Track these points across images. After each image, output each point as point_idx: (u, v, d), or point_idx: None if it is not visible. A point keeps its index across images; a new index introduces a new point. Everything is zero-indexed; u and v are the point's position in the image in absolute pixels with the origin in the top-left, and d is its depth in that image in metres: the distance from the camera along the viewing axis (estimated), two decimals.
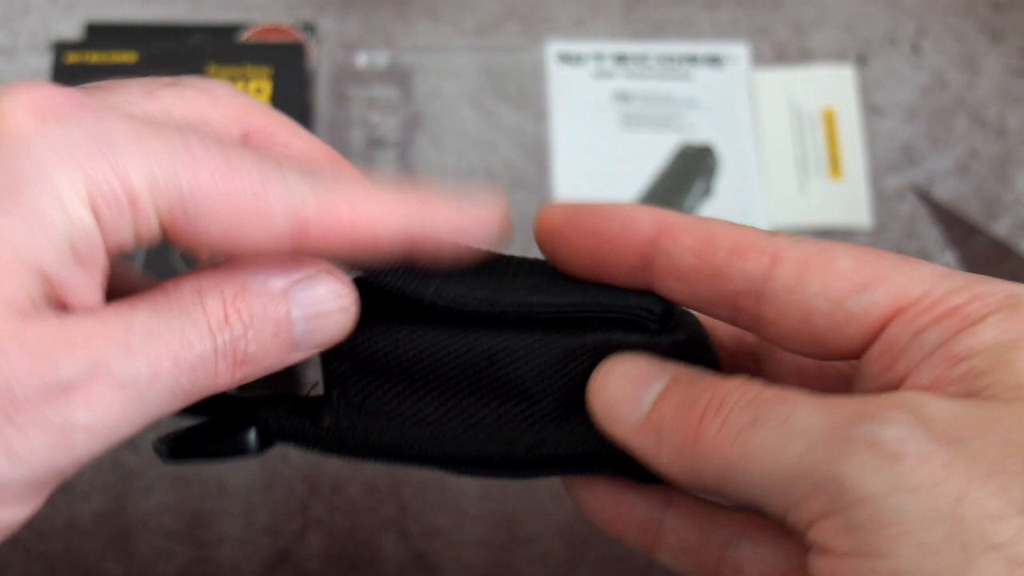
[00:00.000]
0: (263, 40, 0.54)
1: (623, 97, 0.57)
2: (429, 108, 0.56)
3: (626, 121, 0.56)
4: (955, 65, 0.58)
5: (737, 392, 0.24)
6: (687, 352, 0.26)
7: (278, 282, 0.25)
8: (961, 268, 0.54)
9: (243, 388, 0.26)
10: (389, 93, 0.56)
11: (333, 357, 0.27)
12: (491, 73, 0.57)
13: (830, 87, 0.57)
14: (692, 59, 0.57)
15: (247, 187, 0.23)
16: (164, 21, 0.56)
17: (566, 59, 0.57)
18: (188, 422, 0.27)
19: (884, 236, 0.54)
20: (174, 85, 0.27)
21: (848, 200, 0.55)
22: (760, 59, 0.58)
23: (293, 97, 0.50)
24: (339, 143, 0.55)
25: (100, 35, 0.53)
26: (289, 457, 0.49)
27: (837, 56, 0.58)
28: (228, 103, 0.28)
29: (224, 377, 0.24)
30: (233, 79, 0.51)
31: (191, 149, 0.23)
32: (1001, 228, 0.55)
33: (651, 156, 0.56)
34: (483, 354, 0.27)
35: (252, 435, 0.27)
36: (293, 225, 0.24)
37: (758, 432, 0.23)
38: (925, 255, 0.54)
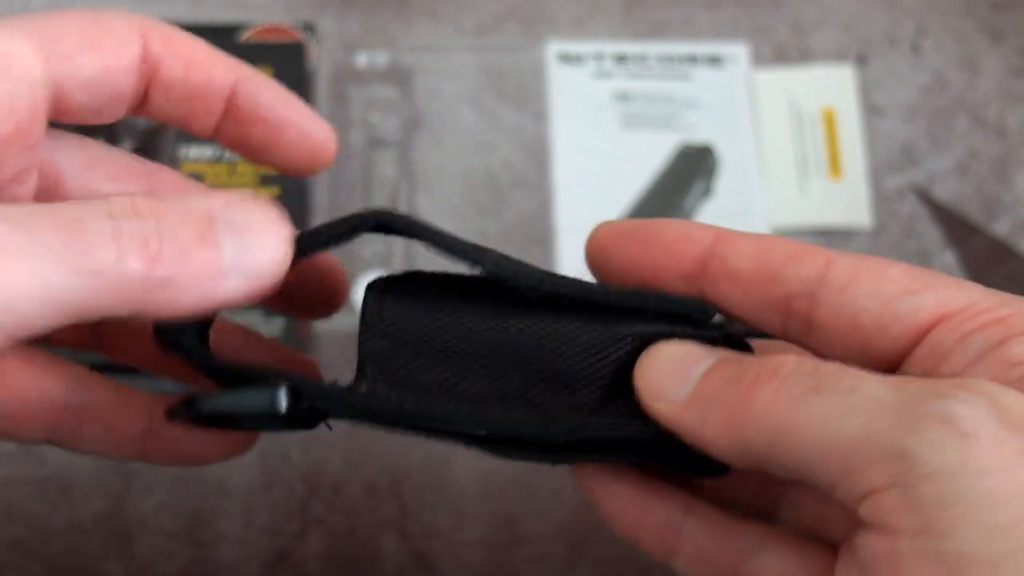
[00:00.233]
0: (263, 40, 0.54)
1: (623, 97, 0.57)
2: (429, 108, 0.56)
3: (626, 121, 0.56)
4: (955, 65, 0.58)
5: (795, 361, 0.23)
6: (736, 345, 0.27)
7: (201, 198, 0.24)
8: (961, 268, 0.54)
9: None
10: (389, 93, 0.56)
11: (369, 334, 0.26)
12: (491, 73, 0.57)
13: (830, 87, 0.57)
14: (692, 59, 0.57)
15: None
16: (164, 21, 0.56)
17: (566, 59, 0.57)
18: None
19: (884, 236, 0.54)
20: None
21: (848, 200, 0.55)
22: (760, 59, 0.58)
23: None
24: (339, 143, 0.54)
25: None
26: (289, 457, 0.49)
27: (837, 56, 0.58)
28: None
29: (137, 266, 0.22)
30: None
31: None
32: (1001, 228, 0.55)
33: (651, 156, 0.56)
34: (534, 337, 0.27)
35: (282, 394, 0.25)
36: (139, 33, 0.26)
37: (820, 397, 0.22)
38: (925, 255, 0.54)
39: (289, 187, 0.51)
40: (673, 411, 0.25)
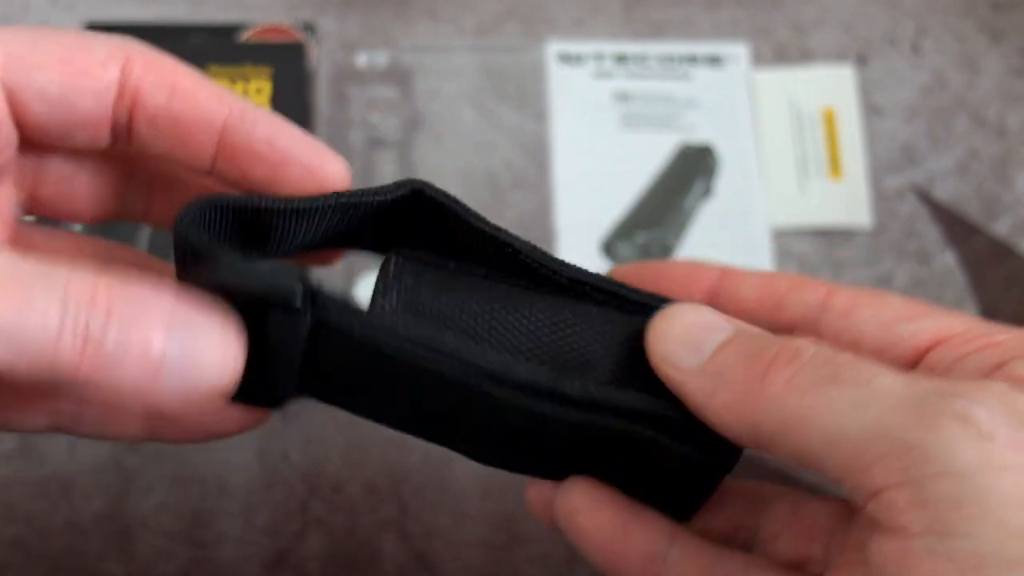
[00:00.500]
0: (263, 40, 0.54)
1: (623, 97, 0.57)
2: (429, 108, 0.56)
3: (626, 121, 0.56)
4: (955, 65, 0.58)
5: (813, 348, 0.23)
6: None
7: (165, 300, 0.23)
8: (961, 268, 0.54)
9: None
10: (389, 93, 0.56)
11: (384, 295, 0.27)
12: (491, 73, 0.57)
13: (830, 87, 0.57)
14: (692, 59, 0.57)
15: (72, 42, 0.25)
16: (164, 21, 0.56)
17: (566, 59, 0.57)
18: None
19: (884, 236, 0.54)
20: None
21: (848, 200, 0.55)
22: (760, 59, 0.58)
23: (293, 97, 0.50)
24: (339, 143, 0.55)
25: None
26: (289, 457, 0.49)
27: (837, 56, 0.58)
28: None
29: (67, 354, 0.22)
30: (233, 79, 0.51)
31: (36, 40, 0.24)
32: (1001, 228, 0.55)
33: (651, 156, 0.56)
34: (551, 321, 0.27)
35: (300, 288, 0.24)
36: (120, 58, 0.25)
37: (837, 387, 0.22)
38: (925, 255, 0.54)
39: None
40: (684, 377, 0.25)
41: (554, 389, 0.25)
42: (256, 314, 0.25)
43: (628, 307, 0.28)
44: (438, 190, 0.27)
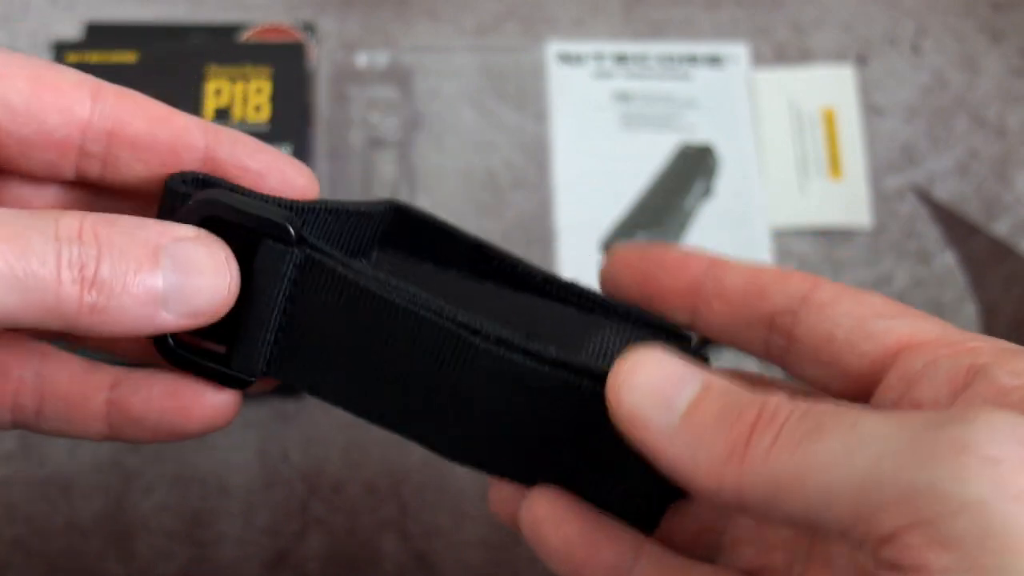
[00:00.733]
0: (263, 40, 0.54)
1: (623, 97, 0.57)
2: (429, 108, 0.56)
3: (626, 121, 0.56)
4: (955, 65, 0.58)
5: (789, 404, 0.22)
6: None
7: (152, 229, 0.24)
8: (961, 268, 0.54)
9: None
10: (389, 93, 0.56)
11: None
12: (491, 73, 0.57)
13: (830, 87, 0.57)
14: (692, 59, 0.57)
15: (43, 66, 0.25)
16: (164, 21, 0.56)
17: (566, 59, 0.57)
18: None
19: (884, 236, 0.54)
20: None
21: (848, 200, 0.55)
22: (760, 59, 0.58)
23: (293, 97, 0.50)
24: (339, 143, 0.55)
25: (100, 35, 0.53)
26: (289, 457, 0.49)
27: (837, 56, 0.58)
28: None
29: (70, 290, 0.23)
30: (233, 79, 0.51)
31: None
32: (1001, 228, 0.55)
33: (651, 156, 0.56)
34: (524, 305, 0.29)
35: (291, 228, 0.26)
36: (90, 86, 0.25)
37: (823, 439, 0.21)
38: (925, 255, 0.54)
39: None
40: (657, 441, 0.23)
41: (526, 346, 0.26)
42: (242, 250, 0.26)
43: (592, 308, 0.30)
44: (415, 207, 0.30)
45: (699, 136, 0.56)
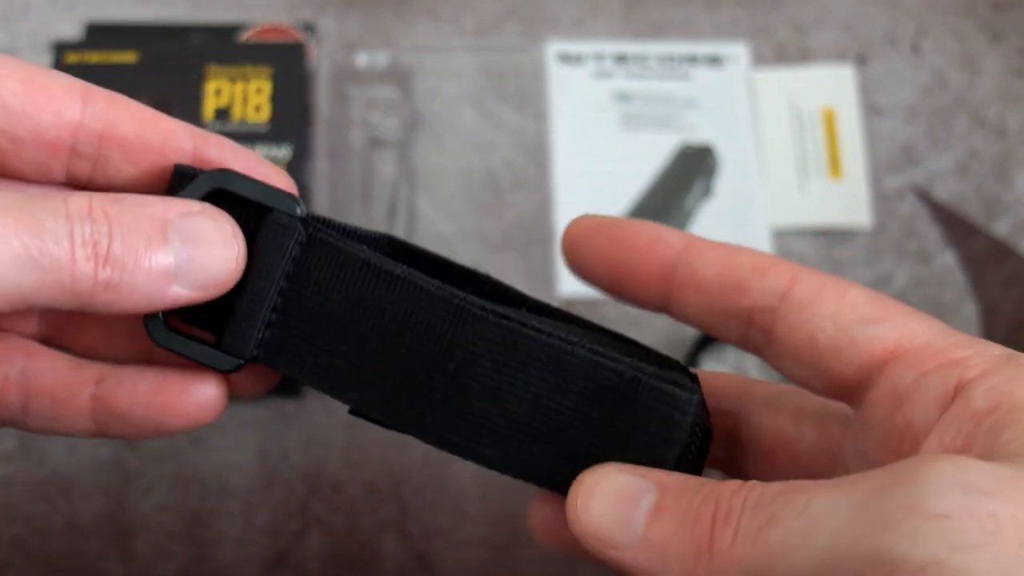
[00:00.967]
0: (263, 40, 0.54)
1: (623, 97, 0.57)
2: (429, 108, 0.56)
3: (626, 121, 0.56)
4: (955, 65, 0.58)
5: (741, 495, 0.23)
6: (701, 407, 0.26)
7: (157, 205, 0.25)
8: (961, 268, 0.54)
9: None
10: (389, 93, 0.56)
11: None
12: (491, 73, 0.57)
13: (830, 87, 0.57)
14: (692, 59, 0.57)
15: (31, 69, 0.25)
16: (164, 21, 0.56)
17: (566, 59, 0.57)
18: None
19: (884, 236, 0.54)
20: None
21: (848, 200, 0.55)
22: (760, 59, 0.58)
23: (293, 97, 0.50)
24: (339, 143, 0.55)
25: (100, 35, 0.53)
26: (289, 457, 0.49)
27: (837, 56, 0.58)
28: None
29: (85, 268, 0.23)
30: (233, 79, 0.51)
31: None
32: (1001, 228, 0.55)
33: (651, 156, 0.56)
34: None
35: (301, 206, 0.26)
36: (80, 89, 0.25)
37: (778, 527, 0.21)
38: (925, 255, 0.54)
39: None
40: (624, 557, 0.24)
41: (527, 320, 0.26)
42: (254, 218, 0.26)
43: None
44: (409, 242, 0.30)
45: (699, 136, 0.56)
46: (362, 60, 0.56)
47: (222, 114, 0.50)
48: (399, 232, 0.53)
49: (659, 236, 0.28)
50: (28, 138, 0.26)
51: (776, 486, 0.22)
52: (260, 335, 0.27)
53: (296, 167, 0.49)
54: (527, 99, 0.57)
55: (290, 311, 0.27)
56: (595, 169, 0.55)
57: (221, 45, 0.53)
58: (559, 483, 0.26)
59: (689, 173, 0.55)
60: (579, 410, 0.26)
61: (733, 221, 0.54)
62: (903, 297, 0.53)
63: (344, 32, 0.57)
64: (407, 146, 0.55)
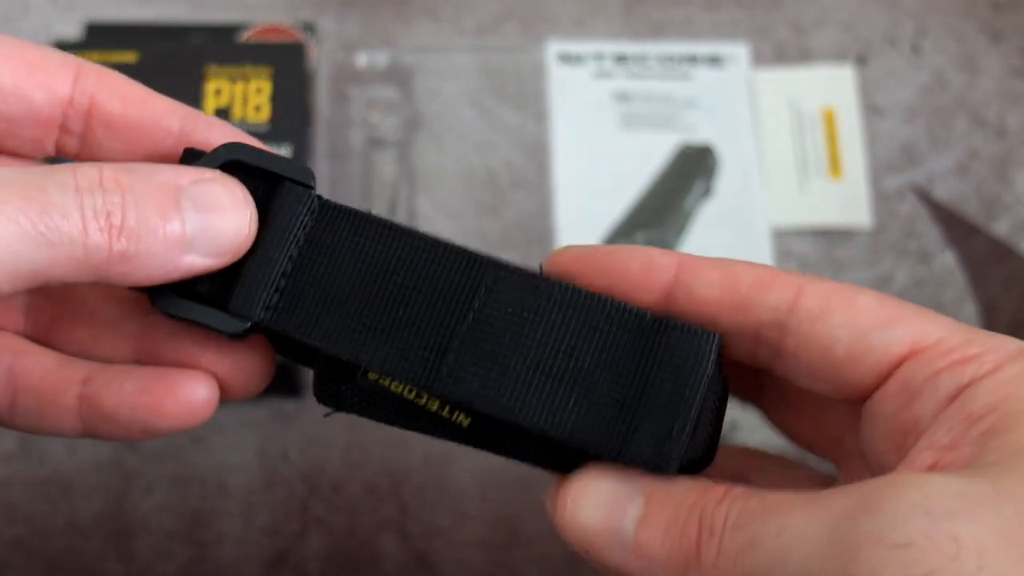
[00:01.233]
0: (263, 40, 0.54)
1: (623, 97, 0.57)
2: (429, 108, 0.56)
3: (626, 121, 0.56)
4: (955, 65, 0.58)
5: (723, 510, 0.23)
6: (719, 353, 0.26)
7: (168, 172, 0.24)
8: (961, 268, 0.54)
9: None
10: (389, 93, 0.56)
11: None
12: (491, 73, 0.57)
13: (830, 87, 0.57)
14: (692, 59, 0.57)
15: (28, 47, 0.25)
16: (164, 21, 0.56)
17: (566, 59, 0.57)
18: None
19: (884, 236, 0.54)
20: None
21: (848, 200, 0.55)
22: (760, 59, 0.58)
23: (293, 97, 0.50)
24: (339, 143, 0.55)
25: (100, 35, 0.53)
26: (289, 457, 0.49)
27: (837, 56, 0.58)
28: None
29: (98, 240, 0.23)
30: (233, 79, 0.51)
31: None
32: (1001, 228, 0.55)
33: (651, 156, 0.56)
34: None
35: (312, 176, 0.27)
36: (72, 66, 0.26)
37: (755, 551, 0.22)
38: (925, 255, 0.54)
39: None
40: (615, 560, 0.25)
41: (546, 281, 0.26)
42: (266, 192, 0.26)
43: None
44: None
45: (699, 136, 0.56)
46: (362, 60, 0.56)
47: (222, 114, 0.50)
48: None
49: (650, 261, 0.27)
50: (22, 117, 0.26)
51: (755, 502, 0.23)
52: (269, 299, 0.26)
53: None
54: (527, 99, 0.57)
55: (300, 276, 0.27)
56: (595, 169, 0.55)
57: (221, 45, 0.53)
58: (575, 433, 0.25)
59: (689, 173, 0.55)
60: (602, 353, 0.26)
61: (733, 221, 0.54)
62: (903, 297, 0.53)
63: (344, 32, 0.57)
64: (407, 146, 0.55)
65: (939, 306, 0.53)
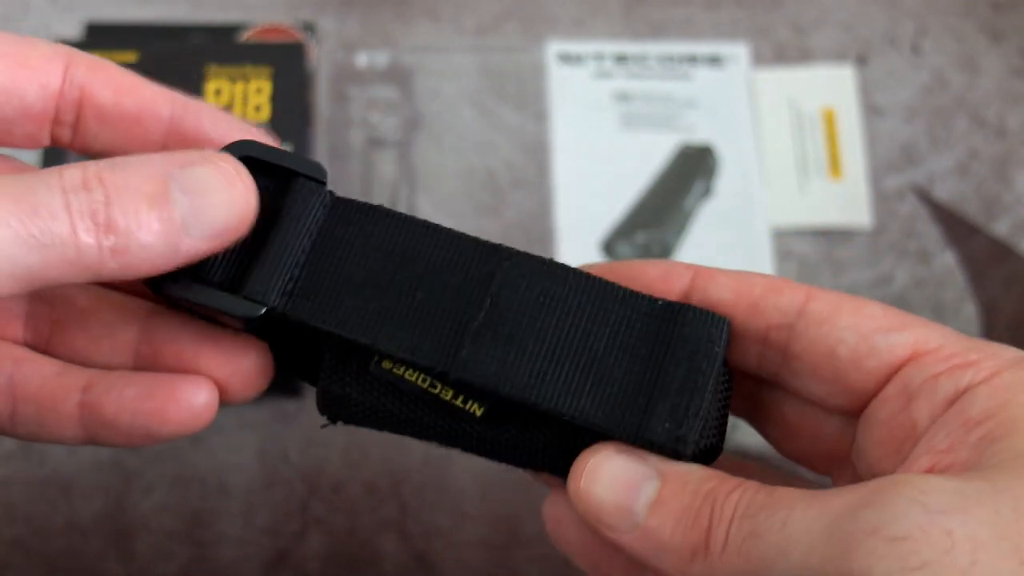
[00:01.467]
0: (263, 40, 0.54)
1: (623, 97, 0.57)
2: (429, 108, 0.56)
3: (626, 121, 0.56)
4: (955, 65, 0.58)
5: (734, 501, 0.24)
6: (728, 340, 0.27)
7: (156, 161, 0.24)
8: (961, 268, 0.54)
9: None
10: (389, 93, 0.56)
11: None
12: (491, 73, 0.57)
13: (830, 87, 0.57)
14: (692, 59, 0.57)
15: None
16: (164, 21, 0.56)
17: (566, 59, 0.57)
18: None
19: (884, 236, 0.54)
20: None
21: (848, 200, 0.55)
22: (760, 59, 0.58)
23: (293, 97, 0.50)
24: (339, 143, 0.55)
25: (100, 35, 0.53)
26: (289, 457, 0.49)
27: (837, 56, 0.58)
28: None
29: (87, 239, 0.23)
30: (233, 79, 0.51)
31: None
32: (1001, 228, 0.55)
33: (651, 156, 0.56)
34: None
35: (325, 172, 0.27)
36: (62, 57, 0.26)
37: (759, 542, 0.23)
38: (925, 255, 0.54)
39: None
40: (623, 539, 0.25)
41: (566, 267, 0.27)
42: (278, 188, 0.27)
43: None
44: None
45: (699, 136, 0.56)
46: (362, 60, 0.56)
47: None
48: None
49: (668, 270, 0.28)
50: (16, 115, 0.26)
51: (762, 496, 0.24)
52: (284, 286, 0.26)
53: None
54: (527, 99, 0.57)
55: (314, 267, 0.27)
56: (595, 169, 0.55)
57: (221, 45, 0.53)
58: (592, 414, 0.26)
59: (689, 173, 0.55)
60: (616, 336, 0.26)
61: (733, 221, 0.54)
62: (903, 297, 0.53)
63: (344, 32, 0.57)
64: (407, 146, 0.55)
65: (939, 306, 0.53)
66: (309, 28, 0.55)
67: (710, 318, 0.26)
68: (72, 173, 0.23)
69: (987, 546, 0.20)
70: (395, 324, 0.26)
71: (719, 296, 0.27)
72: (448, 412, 0.27)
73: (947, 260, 0.54)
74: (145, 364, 0.28)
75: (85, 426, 0.27)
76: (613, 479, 0.25)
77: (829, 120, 0.57)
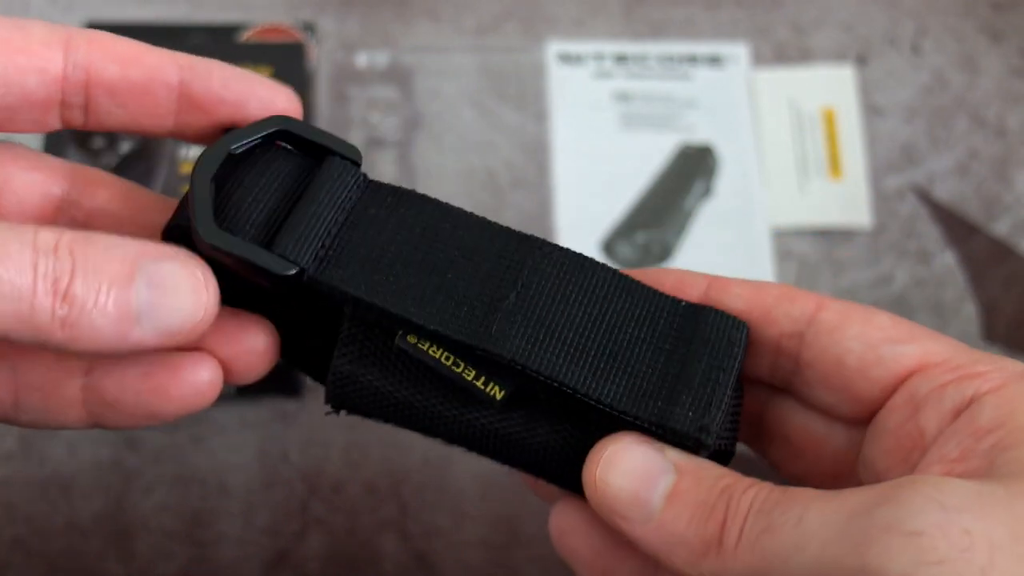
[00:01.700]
0: (263, 40, 0.54)
1: (623, 97, 0.57)
2: (429, 108, 0.56)
3: (626, 121, 0.56)
4: (955, 65, 0.58)
5: (748, 498, 0.24)
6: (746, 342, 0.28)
7: (130, 246, 0.24)
8: (961, 268, 0.54)
9: None
10: (389, 93, 0.56)
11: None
12: (491, 73, 0.57)
13: (830, 87, 0.57)
14: (692, 59, 0.57)
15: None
16: (164, 21, 0.56)
17: (566, 59, 0.57)
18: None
19: (884, 236, 0.54)
20: None
21: (848, 200, 0.55)
22: (760, 59, 0.58)
23: None
24: None
25: None
26: (289, 457, 0.49)
27: (837, 56, 0.58)
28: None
29: (43, 302, 0.23)
30: None
31: None
32: (1001, 228, 0.55)
33: (651, 156, 0.56)
34: None
35: (360, 154, 0.28)
36: (60, 38, 0.26)
37: (774, 537, 0.23)
38: (925, 255, 0.54)
39: None
40: (636, 532, 0.25)
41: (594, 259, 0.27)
42: (308, 165, 0.27)
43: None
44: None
45: (699, 136, 0.56)
46: (362, 60, 0.56)
47: None
48: None
49: (683, 279, 0.28)
50: (18, 104, 0.26)
51: (777, 493, 0.24)
52: (316, 251, 0.26)
53: None
54: (527, 99, 0.57)
55: (346, 238, 0.27)
56: (595, 169, 0.55)
57: (221, 45, 0.53)
58: (618, 399, 0.26)
59: (689, 173, 0.55)
60: (642, 330, 0.27)
61: (733, 221, 0.54)
62: (903, 297, 0.53)
63: (344, 32, 0.57)
64: (407, 146, 0.55)
65: (939, 306, 0.53)
66: (309, 28, 0.55)
67: (731, 321, 0.27)
68: (47, 236, 0.23)
69: (1004, 548, 0.20)
70: (427, 298, 0.26)
71: (733, 305, 0.28)
72: (464, 396, 0.27)
73: (947, 260, 0.54)
74: None
75: (89, 409, 0.27)
76: (631, 468, 0.25)
77: (829, 120, 0.57)
